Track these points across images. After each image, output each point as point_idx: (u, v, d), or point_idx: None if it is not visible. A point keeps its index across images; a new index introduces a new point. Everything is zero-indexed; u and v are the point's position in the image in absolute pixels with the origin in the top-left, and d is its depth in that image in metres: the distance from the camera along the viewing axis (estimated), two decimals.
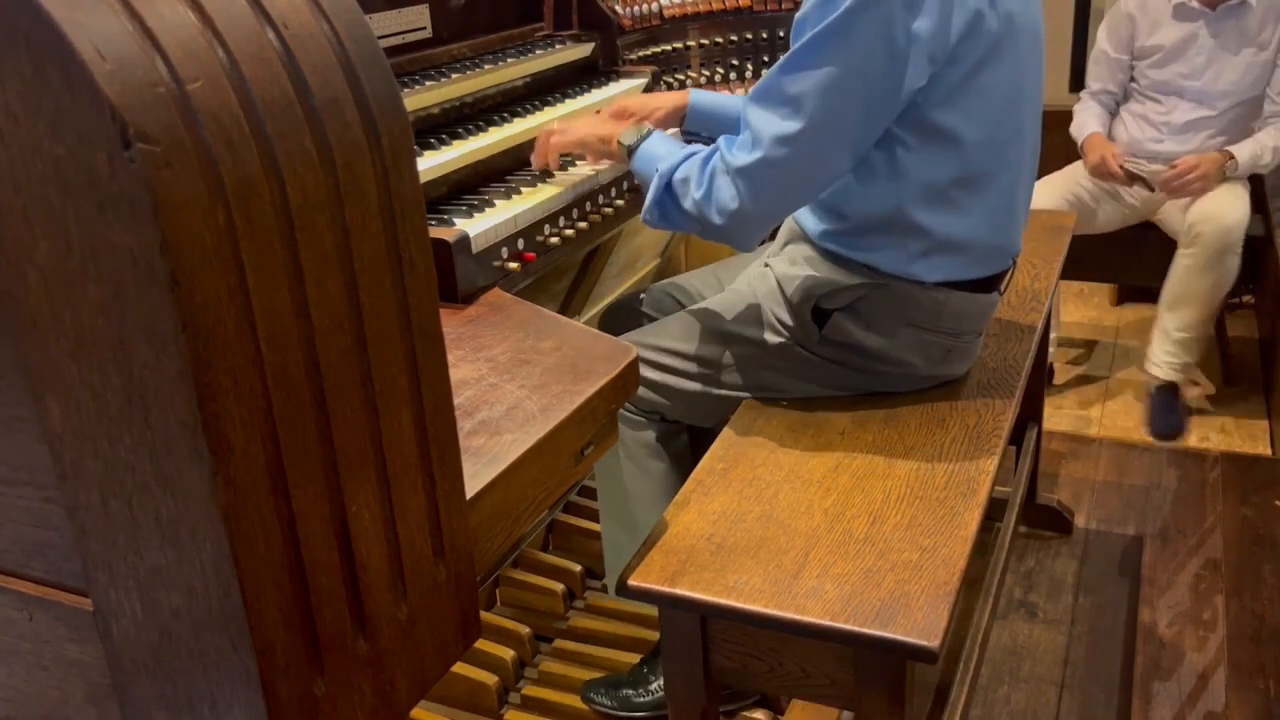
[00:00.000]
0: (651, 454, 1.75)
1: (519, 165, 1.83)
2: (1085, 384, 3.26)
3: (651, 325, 1.79)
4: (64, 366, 0.67)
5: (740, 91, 2.49)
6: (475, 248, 1.43)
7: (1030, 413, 2.33)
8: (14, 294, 0.67)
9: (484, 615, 2.02)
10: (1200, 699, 2.02)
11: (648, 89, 2.20)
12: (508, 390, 1.14)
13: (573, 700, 1.90)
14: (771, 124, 1.41)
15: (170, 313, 0.62)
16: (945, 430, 1.56)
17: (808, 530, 1.36)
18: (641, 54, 2.36)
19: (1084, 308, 3.74)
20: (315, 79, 0.70)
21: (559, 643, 2.06)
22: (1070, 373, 3.31)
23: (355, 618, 0.78)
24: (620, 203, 1.79)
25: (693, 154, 1.52)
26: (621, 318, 1.97)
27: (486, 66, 1.91)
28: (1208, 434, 2.96)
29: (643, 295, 1.98)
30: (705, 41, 2.49)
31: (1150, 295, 3.78)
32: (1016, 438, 2.30)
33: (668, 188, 1.53)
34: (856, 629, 1.20)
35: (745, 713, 1.81)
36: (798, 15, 1.41)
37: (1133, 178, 2.88)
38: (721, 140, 1.49)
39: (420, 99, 1.74)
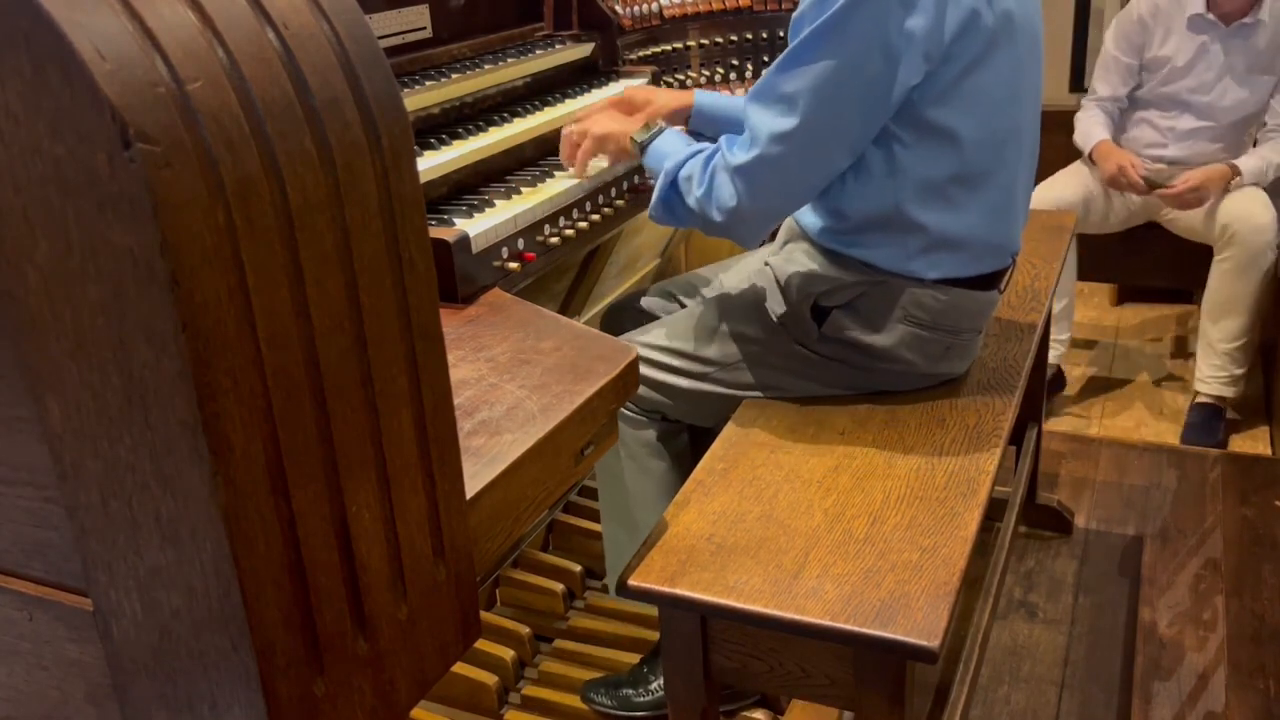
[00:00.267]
0: (652, 453, 1.75)
1: (519, 165, 1.83)
2: (1085, 384, 3.26)
3: (652, 325, 1.79)
4: (64, 366, 0.67)
5: (740, 92, 2.49)
6: (475, 248, 1.43)
7: (1030, 413, 2.32)
8: (14, 294, 0.67)
9: (484, 615, 2.02)
10: (1200, 699, 2.02)
11: None
12: (508, 390, 1.14)
13: (573, 700, 1.90)
14: (768, 122, 1.43)
15: (170, 313, 0.62)
16: (945, 430, 1.56)
17: (808, 530, 1.36)
18: (641, 54, 2.36)
19: (1084, 308, 3.74)
20: (315, 79, 0.70)
21: (559, 643, 2.06)
22: (1070, 372, 3.31)
23: (355, 618, 0.78)
24: (620, 203, 1.79)
25: (698, 152, 1.54)
26: (621, 318, 1.97)
27: (486, 66, 1.91)
28: None
29: (643, 296, 1.99)
30: (705, 41, 2.49)
31: (1151, 295, 3.80)
32: (1016, 438, 2.30)
33: (673, 185, 1.55)
34: (856, 629, 1.20)
35: (745, 713, 1.81)
36: (795, 14, 1.42)
37: (1153, 186, 2.84)
38: (724, 139, 1.50)
39: (420, 99, 1.74)
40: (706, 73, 2.49)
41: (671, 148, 1.60)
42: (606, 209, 1.76)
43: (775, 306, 1.64)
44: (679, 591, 1.28)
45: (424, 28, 1.89)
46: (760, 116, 1.44)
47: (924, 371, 1.63)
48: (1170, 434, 2.98)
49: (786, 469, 1.49)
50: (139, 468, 0.68)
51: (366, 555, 0.78)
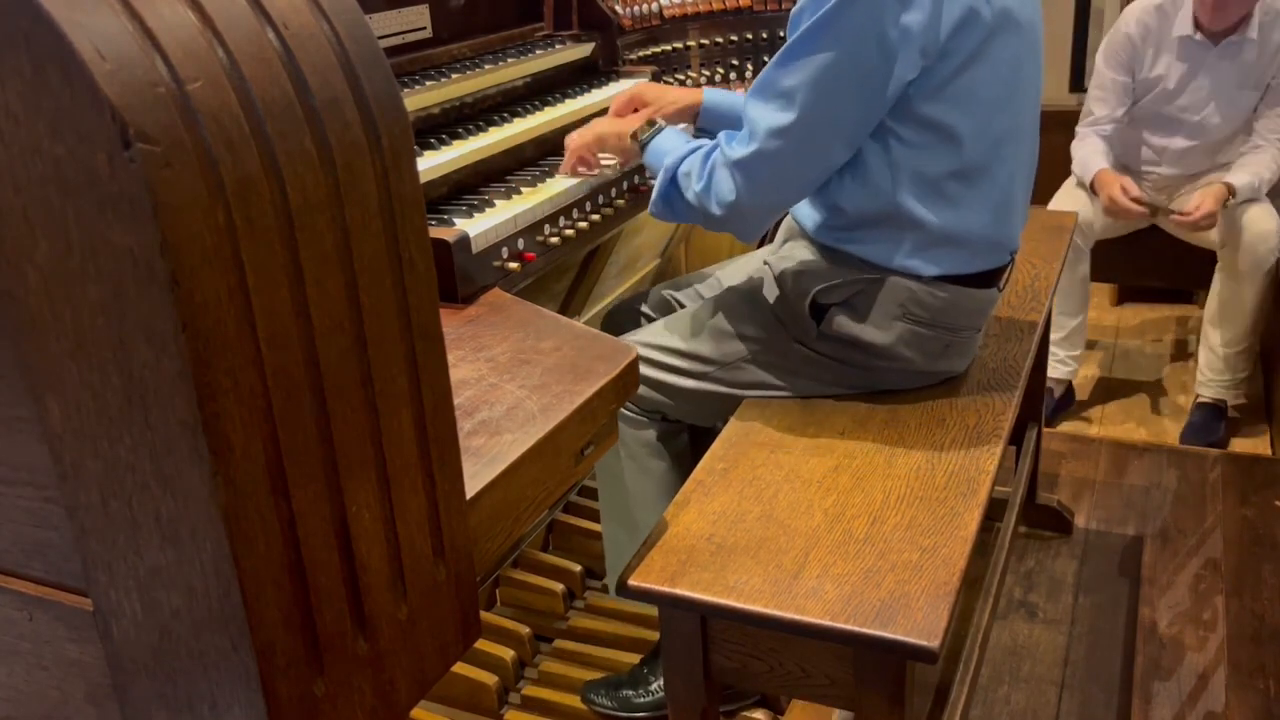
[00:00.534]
0: (652, 453, 1.75)
1: (519, 165, 1.83)
2: (1085, 384, 3.26)
3: (652, 325, 1.79)
4: (64, 366, 0.67)
5: (741, 91, 2.49)
6: (475, 248, 1.43)
7: (1030, 413, 2.32)
8: (14, 294, 0.67)
9: (484, 615, 2.02)
10: (1200, 699, 2.02)
11: None
12: (508, 390, 1.14)
13: (573, 700, 1.90)
14: (766, 117, 1.44)
15: (170, 313, 0.62)
16: (945, 430, 1.56)
17: (808, 530, 1.36)
18: (641, 54, 2.36)
19: None
20: (315, 79, 0.70)
21: (559, 643, 2.06)
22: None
23: (355, 618, 0.78)
24: (620, 203, 1.80)
25: (698, 148, 1.56)
26: (622, 321, 1.97)
27: (486, 66, 1.91)
28: None
29: (644, 299, 1.99)
30: (705, 41, 2.49)
31: (1151, 296, 3.80)
32: (1016, 438, 2.30)
33: (672, 181, 1.57)
34: (856, 629, 1.20)
35: (745, 713, 1.81)
36: (793, 10, 1.44)
37: (1154, 210, 2.82)
38: (723, 134, 1.52)
39: (420, 99, 1.74)
40: (706, 73, 2.49)
41: (671, 145, 1.61)
42: (606, 209, 1.76)
43: (774, 305, 1.64)
44: (679, 591, 1.28)
45: (424, 28, 1.89)
46: (759, 111, 1.45)
47: (923, 369, 1.63)
48: (1170, 434, 2.98)
49: (786, 469, 1.49)
50: (139, 468, 0.68)
51: (366, 555, 0.78)
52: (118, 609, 0.74)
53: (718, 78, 2.49)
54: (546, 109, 1.95)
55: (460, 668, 1.89)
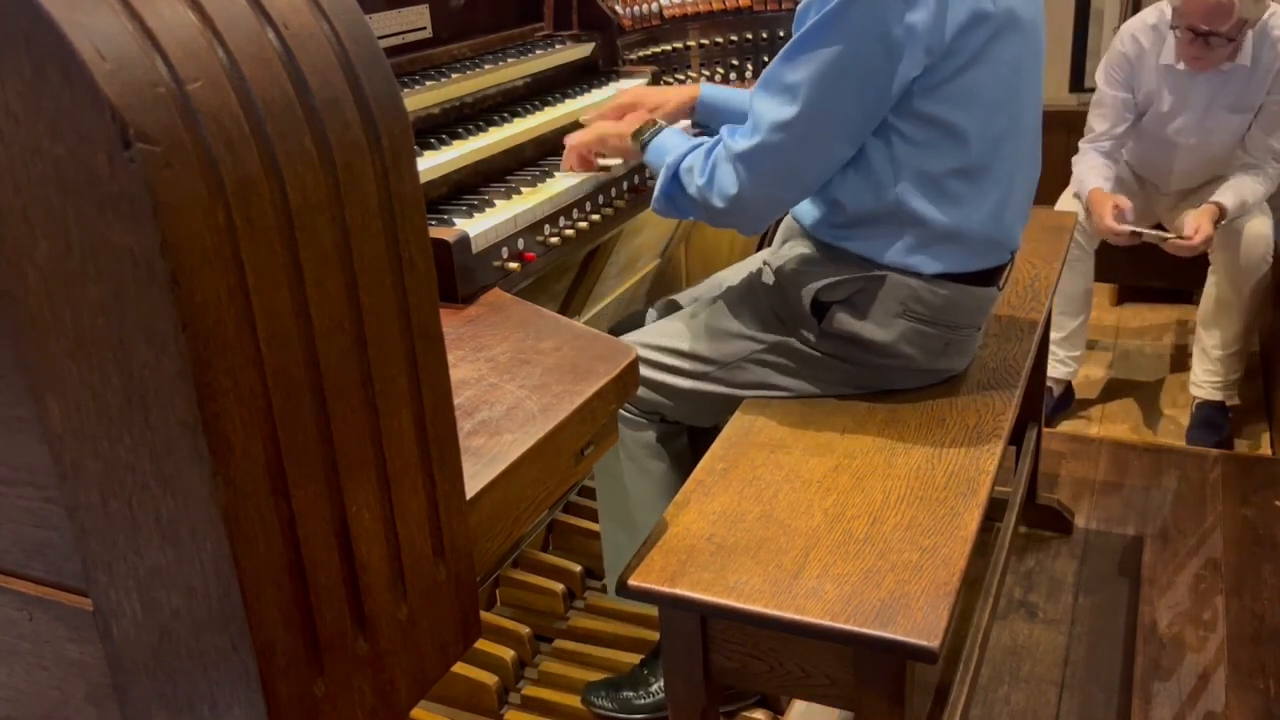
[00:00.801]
0: (652, 454, 1.75)
1: (519, 165, 1.83)
2: (1085, 384, 3.26)
3: (652, 325, 1.79)
4: (64, 366, 0.67)
5: (742, 89, 2.49)
6: (475, 248, 1.43)
7: (1030, 413, 2.32)
8: (14, 294, 0.67)
9: (484, 615, 2.02)
10: (1200, 699, 2.02)
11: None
12: (508, 390, 1.14)
13: (573, 700, 1.90)
14: (770, 110, 1.45)
15: (170, 313, 0.62)
16: (945, 430, 1.56)
17: (808, 530, 1.36)
18: (641, 54, 2.36)
19: None
20: (315, 79, 0.70)
21: (559, 643, 2.06)
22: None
23: (355, 618, 0.78)
24: (620, 203, 1.79)
25: (699, 144, 1.57)
26: (627, 329, 1.97)
27: (486, 66, 1.91)
28: None
29: (649, 310, 1.99)
30: (705, 41, 2.49)
31: (1151, 295, 3.80)
32: (1016, 438, 2.30)
33: (674, 177, 1.58)
34: (856, 629, 1.20)
35: (745, 713, 1.81)
36: (799, 5, 1.44)
37: (1135, 235, 2.77)
38: (725, 128, 1.53)
39: (420, 99, 1.74)
40: (706, 73, 2.49)
41: (672, 143, 1.62)
42: (606, 209, 1.76)
43: (775, 306, 1.64)
44: (679, 591, 1.28)
45: (424, 28, 1.89)
46: (763, 105, 1.46)
47: (923, 367, 1.64)
48: (1170, 434, 2.98)
49: (786, 469, 1.49)
50: (139, 468, 0.68)
51: (366, 555, 0.78)
52: (118, 609, 0.74)
53: (717, 78, 2.49)
54: (546, 109, 1.95)
55: (460, 668, 1.89)
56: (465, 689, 1.90)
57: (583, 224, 1.70)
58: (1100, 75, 2.94)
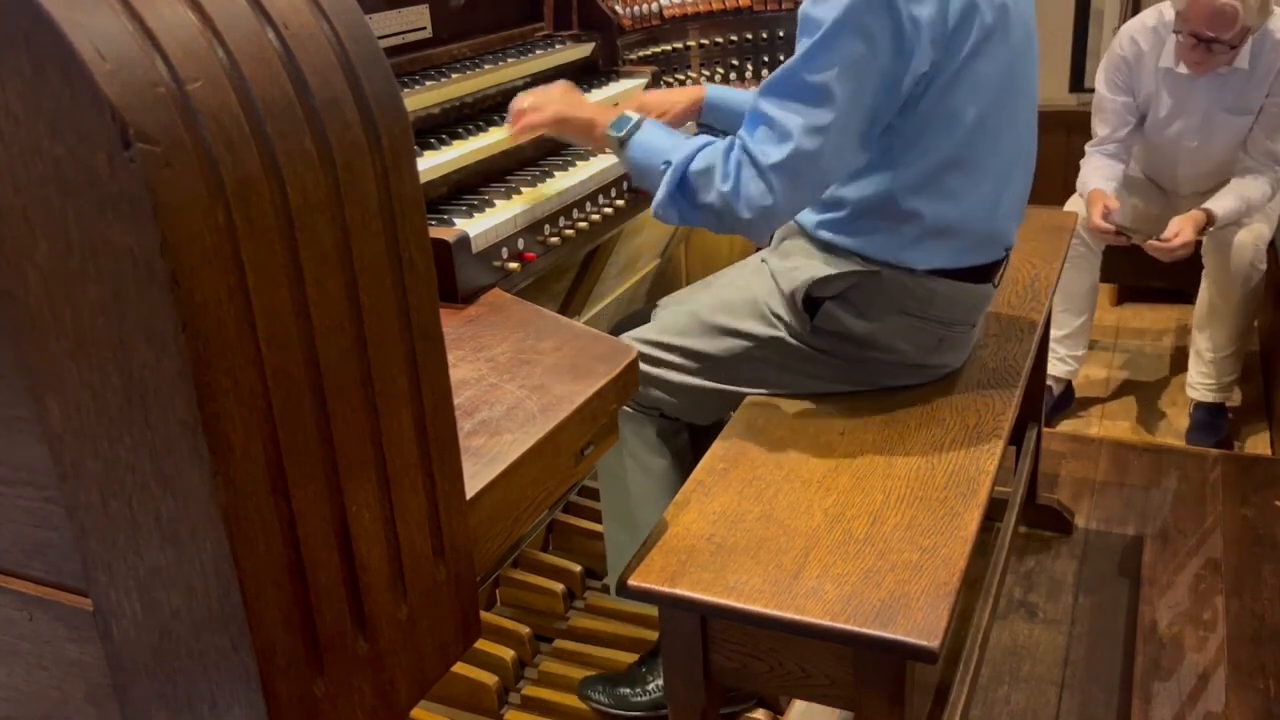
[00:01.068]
0: (652, 450, 1.75)
1: (519, 165, 1.83)
2: (1085, 384, 3.26)
3: (651, 322, 1.79)
4: (64, 366, 0.67)
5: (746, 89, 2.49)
6: (475, 248, 1.43)
7: (1030, 413, 2.32)
8: (14, 294, 0.67)
9: (484, 615, 2.02)
10: (1200, 699, 2.02)
11: (647, 89, 2.20)
12: (508, 390, 1.14)
13: (573, 700, 1.90)
14: (798, 115, 1.39)
15: (170, 313, 0.62)
16: (945, 430, 1.56)
17: (808, 530, 1.36)
18: (641, 54, 2.36)
19: None
20: (315, 79, 0.70)
21: (559, 643, 2.06)
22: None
23: (355, 618, 0.78)
24: (620, 203, 1.79)
25: (705, 145, 1.48)
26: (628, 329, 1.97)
27: (486, 66, 1.91)
28: None
29: (655, 310, 1.98)
30: (705, 41, 2.49)
31: (1151, 296, 3.80)
32: (1016, 438, 2.30)
33: (682, 181, 1.48)
34: (856, 629, 1.20)
35: (745, 713, 1.81)
36: (804, 8, 1.41)
37: (1130, 235, 2.77)
38: (742, 133, 1.45)
39: (420, 99, 1.74)
40: (706, 73, 2.49)
41: (665, 141, 1.53)
42: (607, 209, 1.76)
43: (772, 303, 1.64)
44: (679, 591, 1.28)
45: (424, 28, 1.89)
46: (783, 110, 1.40)
47: (917, 363, 1.64)
48: (1170, 434, 2.98)
49: (786, 469, 1.49)
50: (139, 468, 0.68)
51: (366, 555, 0.78)
52: (118, 609, 0.74)
53: (718, 78, 2.49)
54: None
55: (460, 668, 1.89)
56: (465, 689, 1.90)
57: (583, 224, 1.70)
58: (1100, 79, 2.94)
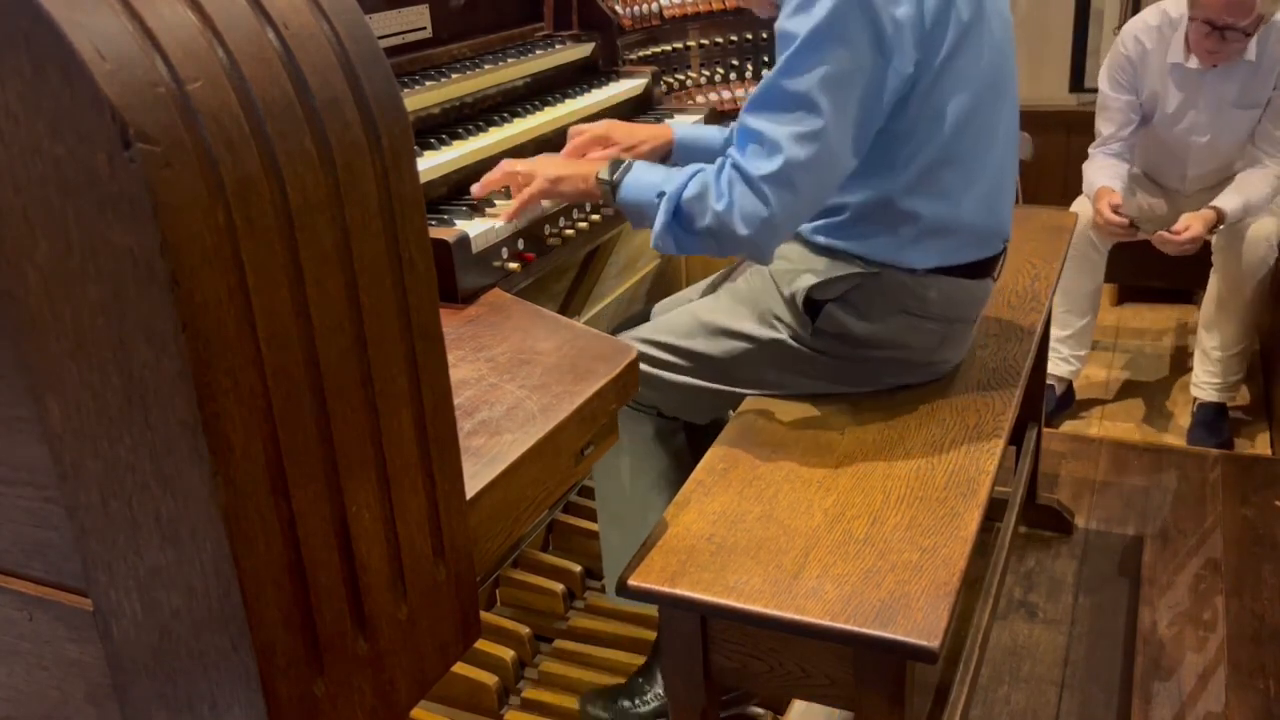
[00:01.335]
0: (650, 449, 1.75)
1: None
2: (1085, 384, 3.26)
3: (650, 322, 1.79)
4: (64, 366, 0.67)
5: (740, 91, 2.49)
6: (475, 248, 1.43)
7: (1030, 413, 2.32)
8: (14, 294, 0.67)
9: (484, 615, 2.02)
10: (1200, 699, 2.02)
11: (648, 89, 2.20)
12: (508, 390, 1.14)
13: (572, 701, 1.90)
14: (786, 125, 1.39)
15: (170, 313, 0.62)
16: (945, 430, 1.56)
17: (808, 530, 1.36)
18: (641, 54, 2.36)
19: None
20: (315, 79, 0.70)
21: (559, 643, 2.06)
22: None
23: (355, 618, 0.78)
24: None
25: (695, 173, 1.47)
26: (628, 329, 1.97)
27: (486, 66, 1.91)
28: None
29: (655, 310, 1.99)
30: (705, 41, 2.49)
31: (1151, 295, 3.80)
32: (1016, 438, 2.30)
33: (677, 210, 1.47)
34: (856, 629, 1.20)
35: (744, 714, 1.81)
36: (780, 23, 1.41)
37: (1137, 228, 2.76)
38: (732, 151, 1.44)
39: (420, 99, 1.74)
40: (706, 73, 2.49)
41: (652, 178, 1.52)
42: (606, 209, 1.76)
43: (772, 305, 1.64)
44: (679, 591, 1.28)
45: (424, 28, 1.89)
46: (774, 123, 1.39)
47: (918, 360, 1.64)
48: (1170, 434, 2.98)
49: (786, 469, 1.49)
50: (139, 468, 0.68)
51: (366, 555, 0.78)
52: (118, 609, 0.74)
53: (718, 78, 2.49)
54: (546, 109, 1.95)
55: (460, 668, 1.89)
56: (465, 689, 1.90)
57: (583, 224, 1.70)
58: (1103, 79, 2.94)
